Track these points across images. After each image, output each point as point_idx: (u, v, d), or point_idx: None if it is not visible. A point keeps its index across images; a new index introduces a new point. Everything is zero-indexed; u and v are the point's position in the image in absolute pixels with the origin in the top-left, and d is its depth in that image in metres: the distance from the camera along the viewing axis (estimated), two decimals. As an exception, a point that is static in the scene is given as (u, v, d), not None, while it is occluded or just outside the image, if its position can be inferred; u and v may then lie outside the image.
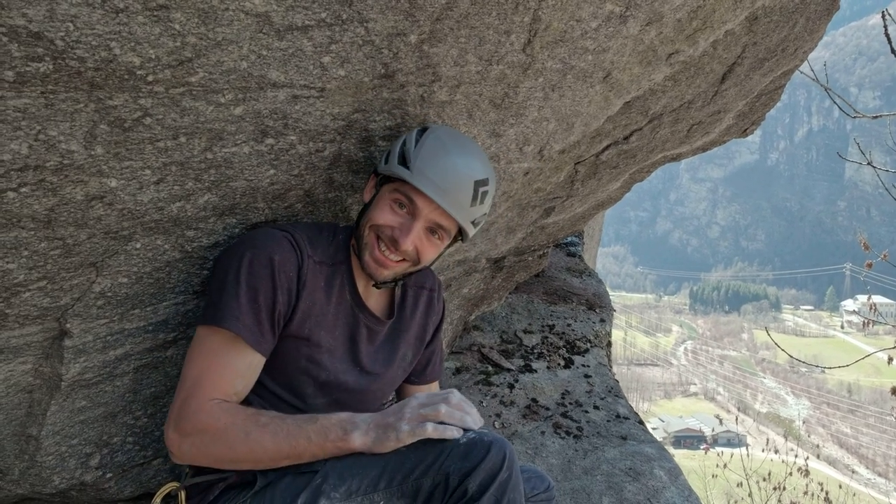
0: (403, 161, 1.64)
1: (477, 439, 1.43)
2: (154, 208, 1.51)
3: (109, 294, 1.61)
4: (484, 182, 1.68)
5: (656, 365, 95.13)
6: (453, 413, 1.44)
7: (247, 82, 1.40)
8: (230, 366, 1.53)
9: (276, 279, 1.56)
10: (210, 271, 1.76)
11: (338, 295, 1.73)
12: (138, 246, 1.57)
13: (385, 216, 1.66)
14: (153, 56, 1.22)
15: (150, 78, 1.25)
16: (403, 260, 1.69)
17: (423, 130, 1.70)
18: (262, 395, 1.66)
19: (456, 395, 1.49)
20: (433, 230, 1.68)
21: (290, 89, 1.49)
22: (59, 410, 1.71)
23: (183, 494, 1.60)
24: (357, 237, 1.72)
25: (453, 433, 1.42)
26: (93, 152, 1.29)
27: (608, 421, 3.67)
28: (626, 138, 3.08)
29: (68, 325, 1.59)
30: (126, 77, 1.22)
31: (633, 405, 4.07)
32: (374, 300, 1.83)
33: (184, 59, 1.27)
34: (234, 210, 1.71)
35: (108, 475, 1.91)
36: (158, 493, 1.60)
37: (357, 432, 1.44)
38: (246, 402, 1.61)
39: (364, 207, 1.74)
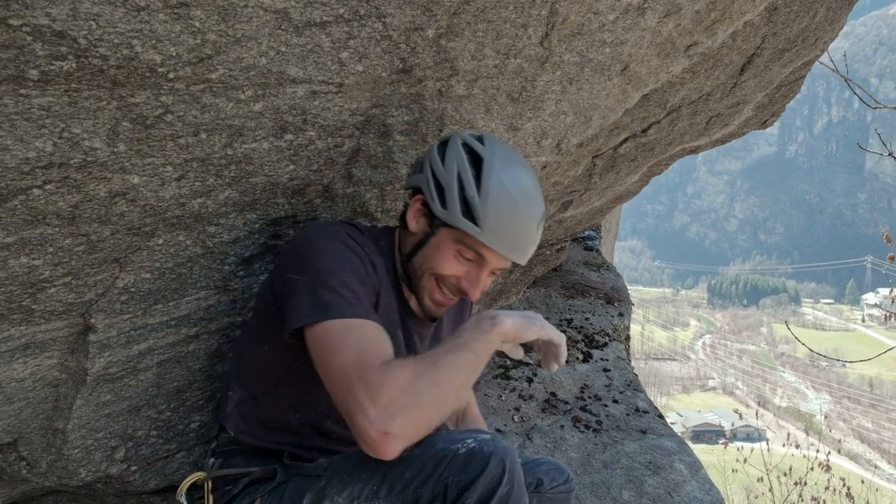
0: (469, 213, 1.53)
1: (476, 449, 1.38)
2: (176, 204, 1.52)
3: (133, 289, 1.63)
4: (543, 219, 1.64)
5: (674, 359, 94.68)
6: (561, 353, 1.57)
7: (266, 78, 1.41)
8: (371, 334, 1.39)
9: (361, 258, 1.53)
10: (279, 271, 1.58)
11: (387, 302, 1.67)
12: (160, 242, 1.59)
13: (451, 267, 1.59)
14: (174, 53, 1.23)
15: (171, 75, 1.27)
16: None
17: (477, 162, 1.56)
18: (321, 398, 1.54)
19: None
20: (493, 271, 1.65)
21: (309, 85, 1.50)
22: (85, 404, 1.73)
23: (209, 484, 1.61)
24: (411, 276, 1.67)
25: (561, 365, 1.57)
26: (115, 149, 1.31)
27: (627, 415, 3.65)
28: (644, 131, 3.07)
29: (93, 321, 1.61)
30: (147, 74, 1.23)
31: (652, 399, 4.05)
32: (415, 304, 1.78)
33: (204, 56, 1.28)
34: (255, 205, 1.72)
35: (133, 468, 1.93)
36: (185, 481, 1.60)
37: (502, 316, 1.44)
38: (314, 399, 1.58)
39: (415, 243, 1.64)
